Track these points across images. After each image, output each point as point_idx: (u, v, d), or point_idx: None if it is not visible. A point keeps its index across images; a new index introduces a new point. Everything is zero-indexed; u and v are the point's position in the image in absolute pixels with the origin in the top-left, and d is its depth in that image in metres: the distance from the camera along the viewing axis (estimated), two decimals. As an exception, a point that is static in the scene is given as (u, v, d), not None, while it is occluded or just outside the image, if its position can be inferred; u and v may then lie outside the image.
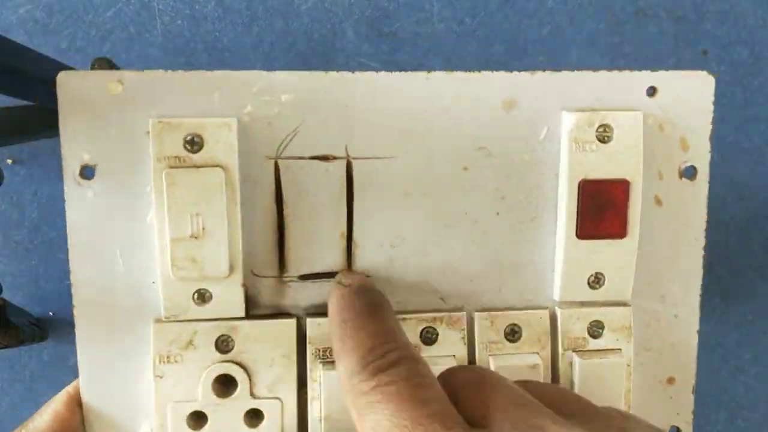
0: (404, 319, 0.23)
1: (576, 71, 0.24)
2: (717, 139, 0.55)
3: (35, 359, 0.46)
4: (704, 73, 0.25)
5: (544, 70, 0.24)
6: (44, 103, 0.37)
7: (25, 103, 0.38)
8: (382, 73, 0.22)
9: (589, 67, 0.24)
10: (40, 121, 0.39)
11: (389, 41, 0.51)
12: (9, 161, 0.46)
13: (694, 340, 0.26)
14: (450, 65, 0.51)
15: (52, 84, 0.33)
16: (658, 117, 0.24)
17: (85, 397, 0.23)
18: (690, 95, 0.25)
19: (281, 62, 0.49)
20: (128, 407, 0.23)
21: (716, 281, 0.55)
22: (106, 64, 0.41)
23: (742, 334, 0.55)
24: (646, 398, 0.26)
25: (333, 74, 0.22)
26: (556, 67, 0.53)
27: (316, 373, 0.23)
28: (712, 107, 0.25)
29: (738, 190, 0.56)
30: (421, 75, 0.23)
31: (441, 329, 0.24)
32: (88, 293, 0.22)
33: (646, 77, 0.24)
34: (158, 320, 0.22)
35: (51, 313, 0.46)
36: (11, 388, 0.46)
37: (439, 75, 0.23)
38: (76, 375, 0.46)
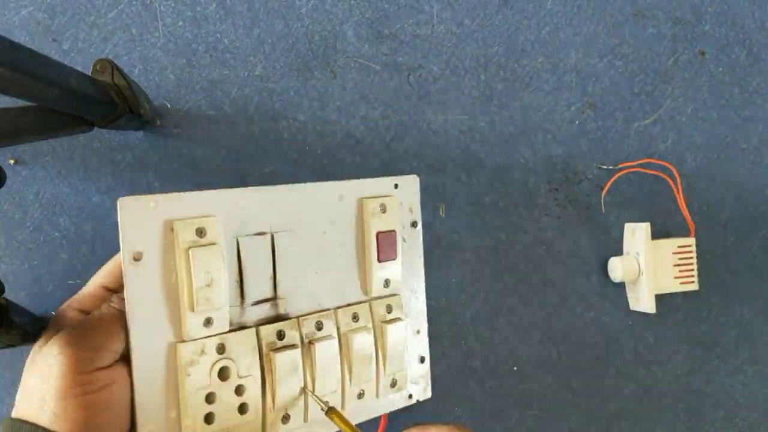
0: (301, 317, 0.41)
1: (364, 180, 0.44)
2: (716, 139, 0.56)
3: (37, 358, 0.46)
4: (413, 176, 0.47)
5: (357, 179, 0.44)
6: (46, 104, 0.38)
7: (27, 103, 0.38)
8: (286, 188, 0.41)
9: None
10: (42, 121, 0.39)
11: (389, 43, 0.51)
12: (11, 162, 0.46)
13: (424, 307, 0.48)
14: (450, 66, 0.52)
15: (53, 85, 0.33)
16: (399, 198, 0.46)
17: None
18: (410, 187, 0.46)
19: (282, 63, 0.49)
20: None
21: (714, 281, 0.55)
22: (107, 65, 0.42)
23: (739, 333, 0.56)
24: (412, 341, 0.47)
25: (253, 191, 0.40)
26: (555, 67, 0.53)
27: (271, 357, 0.39)
28: (418, 191, 0.47)
29: (736, 190, 0.56)
30: (297, 189, 0.42)
31: (324, 321, 0.42)
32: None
33: (393, 181, 0.46)
34: (182, 341, 0.36)
35: (53, 313, 0.46)
36: (13, 388, 0.46)
37: (306, 186, 0.42)
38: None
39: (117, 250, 0.47)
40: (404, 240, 0.46)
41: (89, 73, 0.41)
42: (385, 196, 0.45)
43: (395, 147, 0.51)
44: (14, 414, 0.34)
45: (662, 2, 0.55)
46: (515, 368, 0.53)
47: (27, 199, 0.47)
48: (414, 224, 0.47)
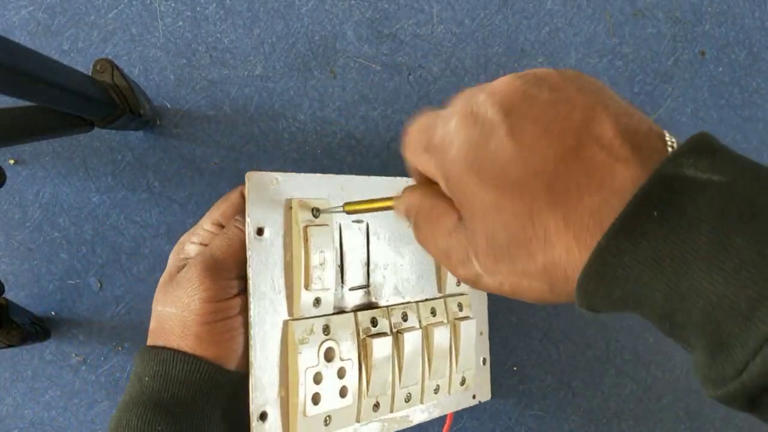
0: (389, 306, 0.42)
1: None
2: (715, 139, 0.56)
3: (37, 358, 0.46)
4: None
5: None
6: (46, 104, 0.38)
7: (27, 103, 0.38)
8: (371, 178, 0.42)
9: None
10: (42, 121, 0.39)
11: (389, 43, 0.51)
12: (11, 162, 0.46)
13: (486, 309, 0.49)
14: (449, 66, 0.52)
15: (54, 85, 0.33)
16: None
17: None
18: None
19: (282, 63, 0.49)
20: None
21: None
22: (107, 65, 0.42)
23: (740, 333, 0.56)
24: (477, 341, 0.47)
25: (356, 178, 0.41)
26: (555, 67, 0.53)
27: (368, 342, 0.40)
28: None
29: (736, 191, 0.56)
30: (394, 181, 0.43)
31: (409, 313, 0.43)
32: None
33: None
34: (294, 319, 0.37)
35: (53, 313, 0.46)
36: (13, 387, 0.46)
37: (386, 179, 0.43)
38: (77, 374, 0.46)
39: (117, 250, 0.47)
40: None
41: (89, 73, 0.41)
42: None
43: (395, 147, 0.51)
44: (150, 343, 0.35)
45: (662, 2, 0.55)
46: (515, 368, 0.53)
47: (27, 199, 0.47)
48: None
